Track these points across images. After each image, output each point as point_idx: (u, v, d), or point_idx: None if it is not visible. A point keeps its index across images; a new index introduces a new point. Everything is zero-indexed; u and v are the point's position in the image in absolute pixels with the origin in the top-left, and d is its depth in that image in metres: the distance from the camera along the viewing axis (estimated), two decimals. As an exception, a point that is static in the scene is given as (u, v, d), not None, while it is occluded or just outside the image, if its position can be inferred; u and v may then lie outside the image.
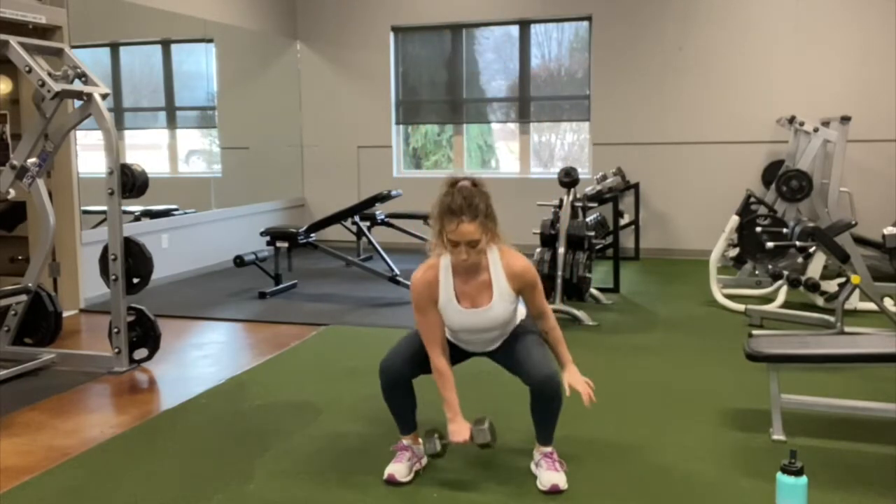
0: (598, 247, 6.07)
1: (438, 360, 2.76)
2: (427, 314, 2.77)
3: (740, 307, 5.31)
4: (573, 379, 2.78)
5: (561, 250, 5.18)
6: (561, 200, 5.42)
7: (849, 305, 4.88)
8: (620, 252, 6.45)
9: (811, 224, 5.37)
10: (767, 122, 7.38)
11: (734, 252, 5.89)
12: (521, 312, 2.92)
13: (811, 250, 5.03)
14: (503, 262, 2.74)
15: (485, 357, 2.95)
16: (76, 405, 3.74)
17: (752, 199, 5.98)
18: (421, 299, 2.76)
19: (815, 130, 6.33)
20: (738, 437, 3.19)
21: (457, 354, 2.90)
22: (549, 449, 2.79)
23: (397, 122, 8.67)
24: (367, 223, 7.30)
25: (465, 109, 8.56)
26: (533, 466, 2.82)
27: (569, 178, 5.44)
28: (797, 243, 5.00)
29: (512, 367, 2.83)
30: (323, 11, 8.62)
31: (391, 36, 8.52)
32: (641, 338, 4.84)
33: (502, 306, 2.75)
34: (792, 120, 6.61)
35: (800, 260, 5.21)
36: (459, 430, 2.73)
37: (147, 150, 7.59)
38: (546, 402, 2.72)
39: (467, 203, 2.60)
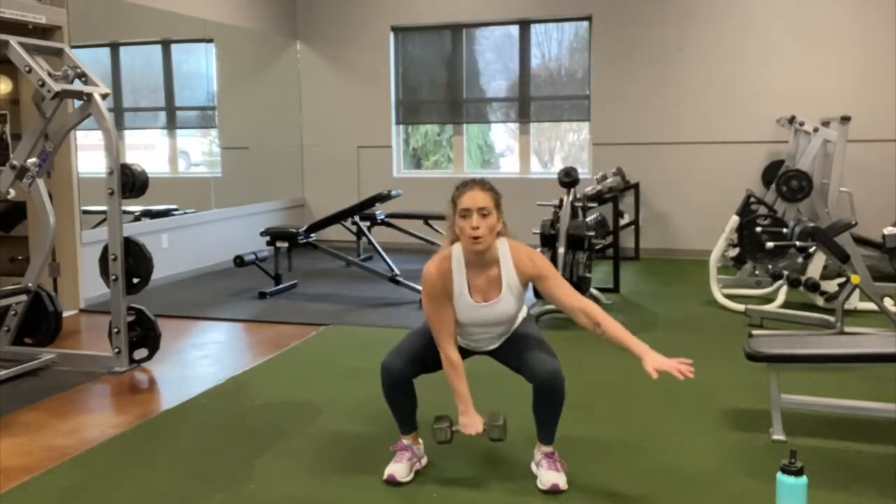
0: (598, 247, 6.07)
1: (451, 351, 2.75)
2: (440, 305, 2.73)
3: (740, 307, 5.31)
4: (657, 363, 2.53)
5: (561, 250, 5.17)
6: (561, 200, 5.41)
7: (849, 305, 4.88)
8: (620, 252, 6.45)
9: (811, 224, 5.37)
10: (767, 122, 7.38)
11: (734, 252, 5.88)
12: (524, 311, 2.91)
13: (811, 250, 5.03)
14: (513, 254, 2.74)
15: (486, 356, 2.93)
16: (76, 405, 3.74)
17: (752, 199, 5.98)
18: (435, 289, 2.73)
19: (815, 130, 6.33)
20: (738, 437, 3.19)
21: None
22: (549, 448, 2.79)
23: (397, 122, 8.67)
24: (367, 223, 7.30)
25: (465, 109, 8.56)
26: (533, 466, 2.82)
27: (569, 178, 5.43)
28: (797, 243, 4.99)
29: (515, 364, 2.82)
30: (323, 11, 8.62)
31: (391, 36, 8.51)
32: (641, 338, 4.77)
33: (510, 300, 2.73)
34: (792, 120, 6.61)
35: (800, 260, 5.20)
36: (472, 423, 2.73)
37: (147, 149, 7.58)
38: (549, 399, 2.71)
39: (479, 180, 2.75)
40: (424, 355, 2.79)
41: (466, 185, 2.71)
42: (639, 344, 2.64)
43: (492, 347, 2.89)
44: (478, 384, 3.94)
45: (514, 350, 2.82)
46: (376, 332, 4.96)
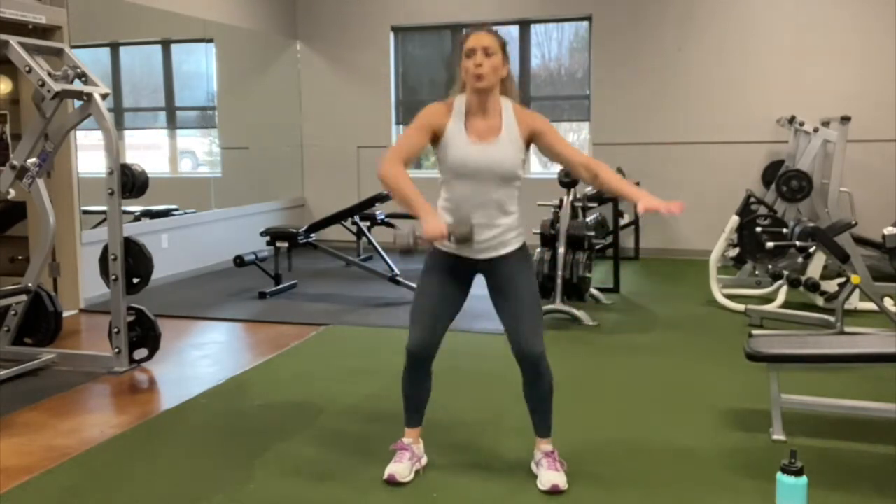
0: (598, 247, 6.07)
1: (396, 164, 2.68)
2: (419, 132, 2.71)
3: (740, 307, 5.31)
4: (648, 203, 2.60)
5: (561, 250, 5.17)
6: (561, 200, 5.42)
7: (849, 305, 4.88)
8: (620, 252, 6.45)
9: (811, 224, 5.37)
10: (767, 122, 7.38)
11: (734, 252, 5.89)
12: (522, 234, 2.77)
13: (811, 250, 5.03)
14: (515, 110, 2.70)
15: (480, 274, 2.75)
16: (76, 405, 3.74)
17: (752, 199, 5.98)
18: (424, 119, 2.71)
19: (815, 130, 6.33)
20: (738, 437, 3.19)
21: (452, 265, 2.71)
22: (549, 448, 2.79)
23: (397, 122, 8.67)
24: (367, 223, 7.30)
25: (465, 109, 8.54)
26: (533, 466, 2.82)
27: (569, 178, 5.43)
28: (797, 243, 5.00)
29: (502, 310, 2.72)
30: (323, 11, 8.62)
31: (391, 36, 8.52)
32: (641, 338, 4.84)
33: (509, 147, 2.65)
34: (792, 120, 6.61)
35: (800, 260, 5.21)
36: (436, 224, 2.53)
37: (147, 150, 7.59)
38: (536, 382, 2.73)
39: (486, 26, 2.72)
40: (442, 320, 2.72)
41: (473, 27, 2.72)
42: (636, 190, 2.73)
43: (484, 250, 2.68)
44: (477, 385, 3.95)
45: (509, 286, 2.70)
46: (376, 332, 4.96)
